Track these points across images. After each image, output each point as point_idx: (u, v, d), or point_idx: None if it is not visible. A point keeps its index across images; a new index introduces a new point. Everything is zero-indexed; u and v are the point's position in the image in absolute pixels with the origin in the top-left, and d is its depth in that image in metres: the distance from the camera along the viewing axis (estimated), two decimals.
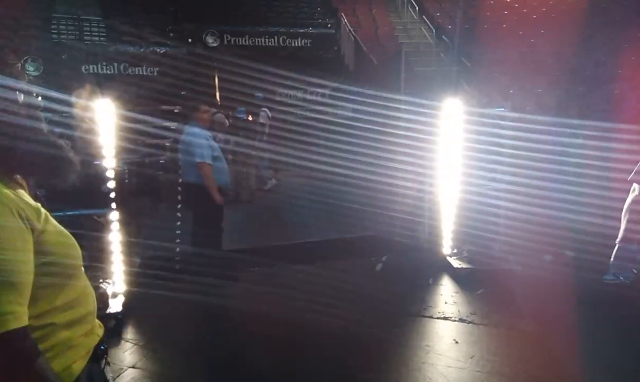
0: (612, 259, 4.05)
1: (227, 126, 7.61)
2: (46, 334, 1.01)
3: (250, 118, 8.19)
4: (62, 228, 1.11)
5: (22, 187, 1.06)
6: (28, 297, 0.95)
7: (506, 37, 11.37)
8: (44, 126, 1.12)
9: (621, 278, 4.13)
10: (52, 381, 0.99)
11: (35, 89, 1.13)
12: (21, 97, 1.08)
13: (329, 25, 13.09)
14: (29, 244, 0.96)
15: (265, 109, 8.40)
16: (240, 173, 7.52)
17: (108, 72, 9.36)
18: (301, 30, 12.46)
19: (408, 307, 3.93)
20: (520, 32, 11.45)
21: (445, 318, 3.75)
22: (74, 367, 1.08)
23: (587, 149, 5.06)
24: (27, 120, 1.08)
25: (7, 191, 0.99)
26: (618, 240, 4.03)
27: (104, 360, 1.23)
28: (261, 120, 8.12)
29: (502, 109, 5.40)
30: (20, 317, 0.92)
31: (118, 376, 2.98)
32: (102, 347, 1.21)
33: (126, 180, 4.64)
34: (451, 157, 4.89)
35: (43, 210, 1.05)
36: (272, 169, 8.78)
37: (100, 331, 1.22)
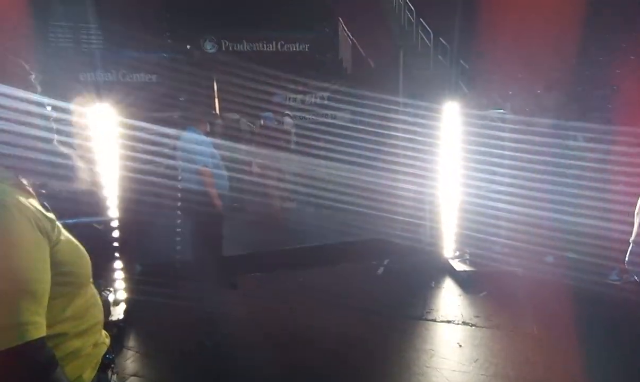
0: (626, 257, 4.04)
1: (250, 135, 6.94)
2: (58, 343, 1.01)
3: (287, 124, 7.43)
4: (73, 238, 1.12)
5: (34, 196, 1.06)
6: (45, 307, 0.95)
7: (505, 39, 11.40)
8: (54, 136, 1.12)
9: (635, 277, 4.10)
10: None
11: (46, 100, 1.14)
12: (33, 108, 1.08)
13: (327, 29, 13.12)
14: (47, 255, 0.97)
15: (289, 113, 7.66)
16: (271, 188, 6.72)
17: (106, 79, 9.36)
18: (299, 35, 12.48)
19: (411, 311, 3.92)
20: (519, 33, 11.47)
21: (449, 321, 3.73)
22: (84, 377, 1.09)
23: (586, 151, 5.07)
24: (38, 131, 1.08)
25: (25, 202, 0.98)
26: (632, 238, 4.00)
27: (110, 370, 1.24)
28: (285, 127, 7.34)
29: (502, 110, 5.39)
30: (40, 327, 0.92)
31: None
32: (109, 357, 1.23)
33: (126, 188, 4.63)
34: (451, 159, 4.89)
35: (56, 221, 1.06)
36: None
37: (107, 341, 1.24)
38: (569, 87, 8.22)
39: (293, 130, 7.58)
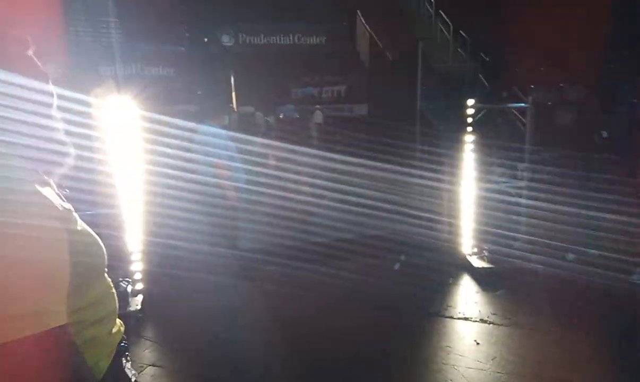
0: None
1: (266, 128, 6.41)
2: (75, 331, 1.02)
3: (317, 119, 6.93)
4: (90, 229, 1.12)
5: (50, 186, 1.07)
6: (64, 295, 0.96)
7: (527, 31, 11.16)
8: (60, 125, 1.13)
9: None
10: (88, 377, 1.01)
11: (57, 90, 1.14)
12: (40, 98, 1.09)
13: (344, 22, 13.03)
14: (64, 244, 0.98)
15: (319, 107, 7.22)
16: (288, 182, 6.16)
17: (125, 72, 9.49)
18: (316, 28, 12.43)
19: (427, 308, 3.88)
20: (542, 25, 11.21)
21: (466, 318, 3.68)
22: (101, 364, 1.11)
23: (610, 145, 4.94)
24: (44, 120, 1.09)
25: (43, 192, 1.00)
26: None
27: (125, 357, 1.26)
28: (316, 121, 6.84)
29: (522, 104, 5.27)
30: (60, 315, 0.94)
31: (139, 373, 3.00)
32: (123, 345, 1.24)
33: (145, 180, 4.68)
34: (469, 153, 4.81)
35: (73, 211, 1.06)
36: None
37: (122, 329, 1.26)
38: (594, 81, 8.01)
39: (322, 124, 7.20)
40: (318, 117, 7.19)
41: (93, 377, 1.06)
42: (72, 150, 1.15)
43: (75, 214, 1.08)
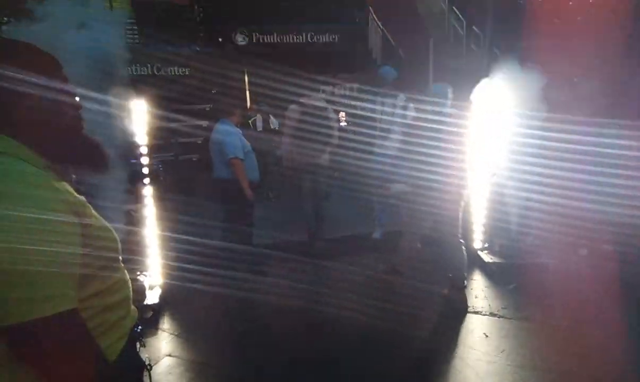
0: None
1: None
2: (89, 316, 1.09)
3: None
4: (104, 222, 1.18)
5: (66, 180, 1.13)
6: (77, 281, 1.03)
7: (541, 25, 11.03)
8: (84, 124, 1.20)
9: None
10: (99, 359, 1.06)
11: (78, 90, 1.22)
12: (64, 98, 1.16)
13: (357, 19, 13.02)
14: (78, 234, 1.04)
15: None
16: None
17: (142, 73, 9.65)
18: (329, 26, 12.45)
19: (437, 301, 3.91)
20: (556, 20, 11.07)
21: (476, 312, 3.72)
22: (113, 347, 1.17)
23: (624, 140, 4.89)
24: (73, 120, 1.17)
25: (58, 185, 1.05)
26: None
27: (139, 341, 1.31)
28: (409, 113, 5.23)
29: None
30: (72, 299, 1.00)
31: (155, 363, 3.10)
32: (137, 330, 1.29)
33: (161, 178, 4.80)
34: (482, 149, 4.81)
35: (88, 204, 1.12)
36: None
37: (135, 314, 1.30)
38: (609, 76, 7.88)
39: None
40: (410, 109, 5.64)
41: (105, 359, 1.11)
42: (109, 151, 1.22)
43: (90, 207, 1.15)
